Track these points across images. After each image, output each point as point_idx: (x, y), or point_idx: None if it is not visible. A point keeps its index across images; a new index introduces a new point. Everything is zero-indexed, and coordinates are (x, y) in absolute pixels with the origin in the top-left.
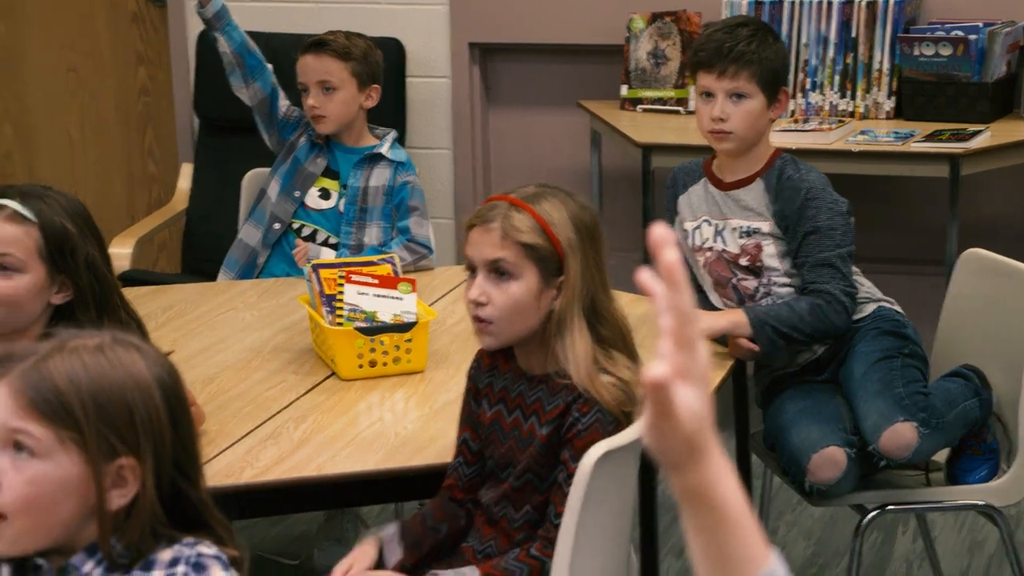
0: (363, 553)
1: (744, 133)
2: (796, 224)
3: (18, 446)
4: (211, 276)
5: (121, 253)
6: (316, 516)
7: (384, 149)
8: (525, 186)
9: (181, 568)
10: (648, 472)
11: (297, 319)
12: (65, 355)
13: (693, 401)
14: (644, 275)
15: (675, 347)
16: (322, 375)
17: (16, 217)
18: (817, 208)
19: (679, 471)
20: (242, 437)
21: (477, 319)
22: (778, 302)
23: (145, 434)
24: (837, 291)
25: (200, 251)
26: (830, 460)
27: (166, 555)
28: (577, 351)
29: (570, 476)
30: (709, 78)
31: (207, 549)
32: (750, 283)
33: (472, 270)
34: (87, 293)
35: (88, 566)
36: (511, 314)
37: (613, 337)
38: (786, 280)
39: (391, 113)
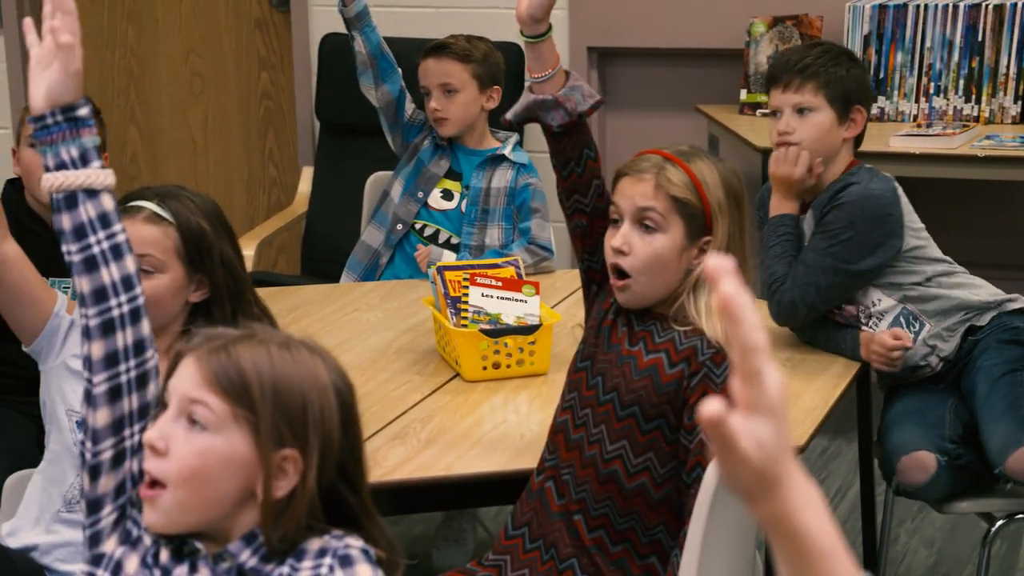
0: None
1: (811, 146)
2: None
3: (192, 418)
4: (330, 278)
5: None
6: (434, 517)
7: (507, 151)
8: (677, 145)
9: (328, 560)
10: None
11: (420, 320)
12: (253, 343)
13: (762, 434)
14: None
15: (740, 381)
16: (446, 376)
17: (154, 218)
18: (843, 211)
19: (754, 502)
20: (369, 436)
21: (616, 270)
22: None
23: (315, 431)
24: (789, 294)
25: (319, 253)
26: (919, 464)
27: (315, 545)
28: (714, 308)
29: None
30: (776, 93)
31: (355, 542)
32: (850, 308)
33: (616, 221)
34: (223, 290)
35: (245, 554)
36: (651, 267)
37: None
38: (882, 296)
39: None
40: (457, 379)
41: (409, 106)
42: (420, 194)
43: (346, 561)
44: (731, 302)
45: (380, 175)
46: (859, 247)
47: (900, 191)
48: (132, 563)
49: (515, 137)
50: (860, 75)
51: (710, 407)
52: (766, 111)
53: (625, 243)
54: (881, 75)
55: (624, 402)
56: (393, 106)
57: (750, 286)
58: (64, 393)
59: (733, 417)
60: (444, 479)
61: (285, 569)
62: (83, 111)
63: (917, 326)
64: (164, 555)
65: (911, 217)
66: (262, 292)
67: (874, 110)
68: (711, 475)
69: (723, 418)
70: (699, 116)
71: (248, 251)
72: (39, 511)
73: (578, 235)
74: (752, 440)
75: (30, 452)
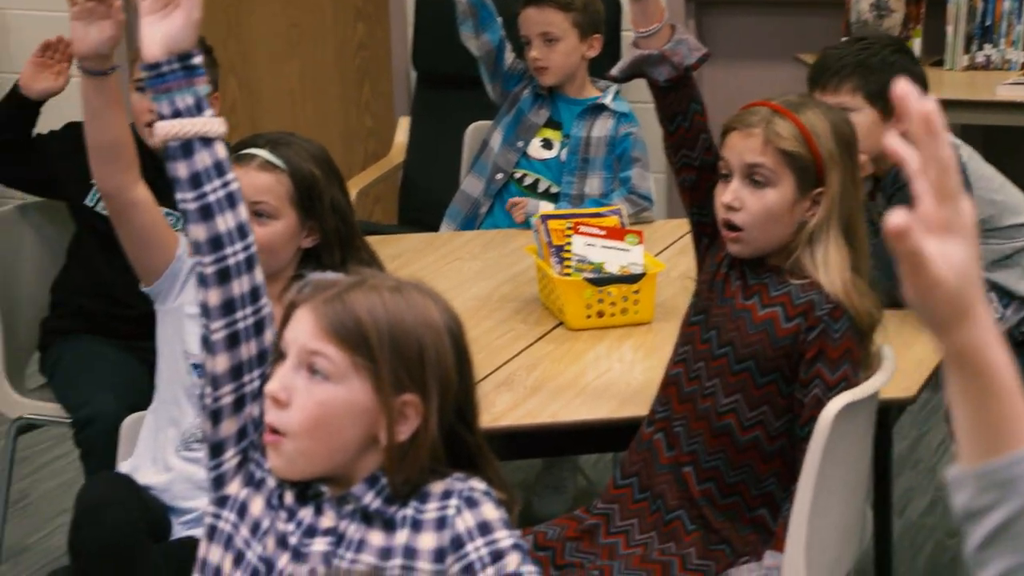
0: None
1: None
2: None
3: (312, 369)
4: (427, 228)
5: None
6: (534, 465)
7: (607, 100)
8: (786, 95)
9: (454, 501)
10: (883, 427)
11: (521, 269)
12: (366, 290)
13: (956, 255)
14: (892, 140)
15: (936, 200)
16: (549, 325)
17: (267, 166)
18: (907, 192)
19: (944, 331)
20: (476, 382)
21: (727, 224)
22: None
23: (432, 374)
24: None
25: (416, 203)
26: None
27: (438, 488)
28: (831, 261)
29: (829, 388)
30: (816, 95)
31: (478, 485)
32: None
33: (726, 175)
34: (333, 236)
35: (368, 497)
36: (763, 222)
37: (858, 264)
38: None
39: (607, 67)
40: (560, 328)
41: (509, 55)
42: (520, 143)
43: (472, 502)
44: (931, 116)
45: (480, 124)
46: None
47: (966, 156)
48: (257, 505)
49: (615, 86)
50: (903, 68)
51: (897, 216)
52: None
53: (736, 199)
54: (988, 22)
55: (739, 356)
56: (493, 55)
57: (863, 241)
58: (181, 335)
59: (927, 240)
60: (551, 426)
61: (409, 511)
62: (198, 59)
63: (1006, 300)
64: (288, 497)
65: (984, 183)
66: None
67: (979, 58)
68: (824, 428)
69: (910, 230)
70: (798, 66)
71: None
72: (155, 450)
73: (686, 189)
74: (947, 263)
75: (138, 389)
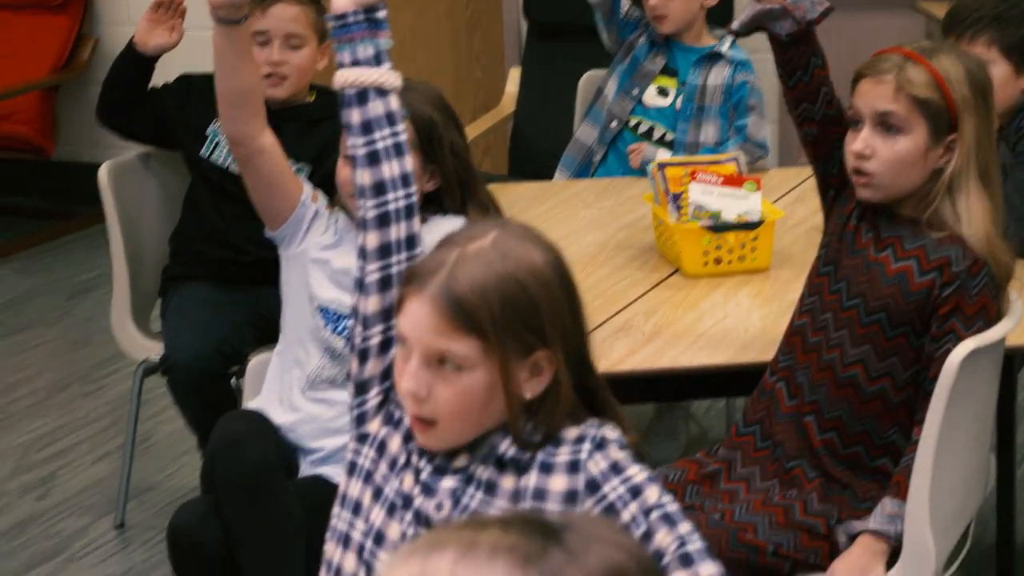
0: None
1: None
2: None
3: (442, 360)
4: (536, 179)
5: None
6: (646, 411)
7: (724, 48)
8: (918, 41)
9: (586, 445)
10: (1007, 375)
11: (637, 217)
12: (471, 263)
13: None
14: None
15: None
16: (666, 272)
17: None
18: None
19: None
20: (594, 329)
21: (857, 171)
22: None
23: (552, 326)
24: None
25: (527, 154)
26: None
27: (572, 433)
28: (973, 211)
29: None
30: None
31: (610, 432)
32: None
33: (856, 122)
34: (453, 179)
35: (503, 445)
36: (895, 169)
37: (995, 214)
38: None
39: (722, 15)
40: (677, 275)
41: (625, 2)
42: (635, 91)
43: (601, 445)
44: None
45: (593, 73)
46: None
47: None
48: (395, 443)
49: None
50: None
51: None
52: None
53: (867, 147)
54: None
55: (870, 308)
56: (609, 3)
57: (998, 188)
58: (305, 279)
59: None
60: (669, 372)
61: (540, 455)
62: (382, 13)
63: None
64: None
65: None
66: None
67: None
68: (949, 374)
69: None
70: (915, 15)
71: None
72: (281, 392)
73: (809, 143)
74: None
75: (235, 334)
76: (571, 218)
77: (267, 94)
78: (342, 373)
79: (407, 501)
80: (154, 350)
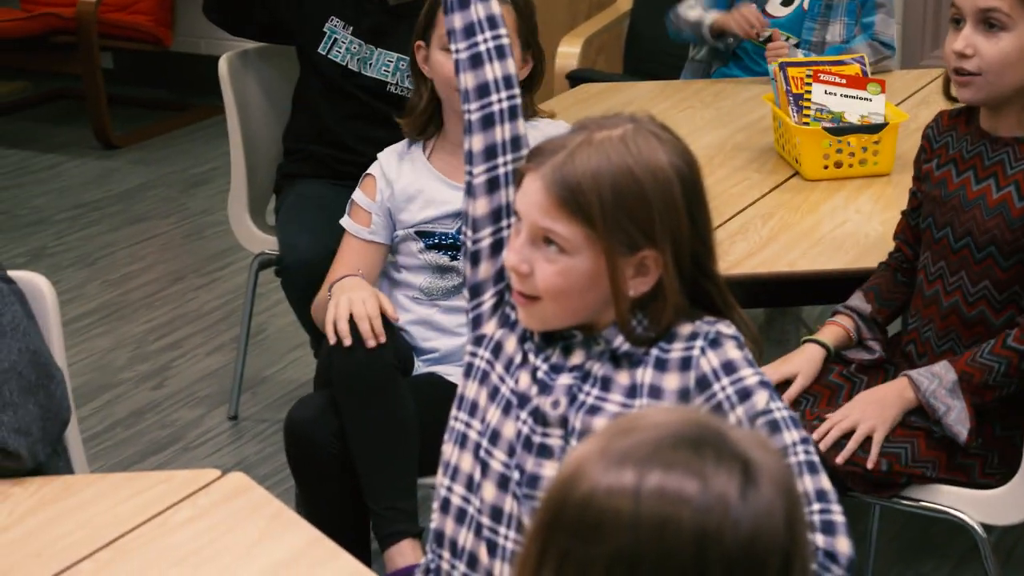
0: (810, 359)
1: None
2: None
3: (548, 240)
4: (653, 78)
5: (568, 52)
6: (755, 316)
7: None
8: None
9: (699, 342)
10: None
11: (755, 119)
12: (593, 150)
13: None
14: None
15: None
16: (785, 174)
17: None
18: None
19: None
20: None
21: (959, 71)
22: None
23: (663, 228)
24: None
25: (642, 53)
26: None
27: (686, 329)
28: None
29: None
30: None
31: (726, 328)
32: None
33: (957, 20)
34: (539, 69)
35: (618, 340)
36: (999, 67)
37: None
38: None
39: None
40: (796, 177)
41: None
42: (754, 3)
43: (716, 343)
44: None
45: None
46: None
47: None
48: (511, 343)
49: None
50: None
51: None
52: None
53: (968, 46)
54: None
55: (979, 244)
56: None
57: None
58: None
59: None
60: (787, 275)
61: (655, 351)
62: None
63: None
64: (538, 336)
65: None
66: (594, 87)
67: None
68: None
69: None
70: None
71: (575, 48)
72: (392, 294)
73: None
74: None
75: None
76: (689, 118)
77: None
78: (449, 285)
79: (523, 400)
80: (269, 243)
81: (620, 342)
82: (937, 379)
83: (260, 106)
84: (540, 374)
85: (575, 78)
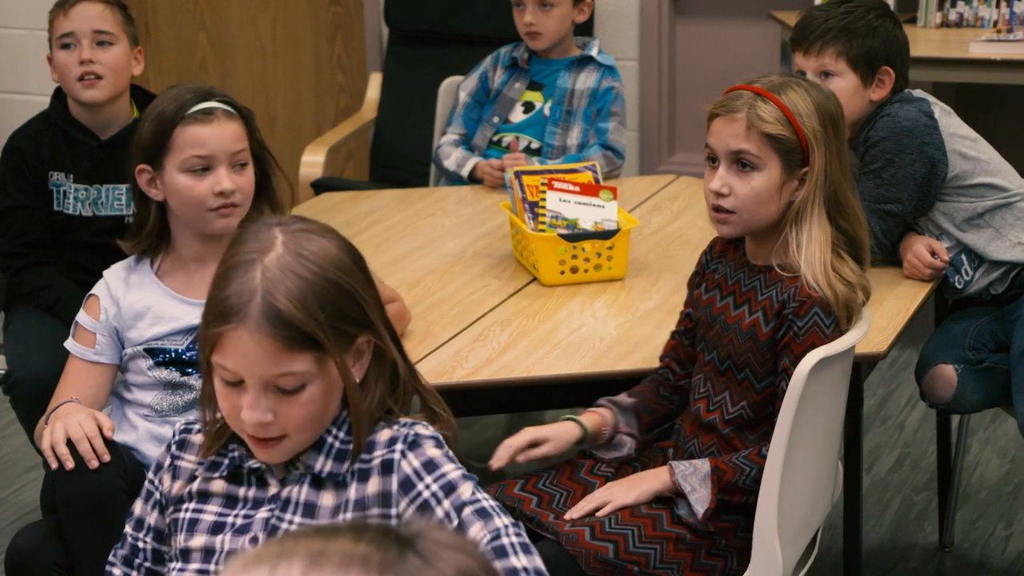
0: (565, 430)
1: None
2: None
3: (280, 383)
4: (399, 185)
5: (313, 161)
6: (500, 421)
7: (593, 52)
8: (768, 75)
9: (399, 446)
10: (854, 383)
11: (495, 226)
12: (277, 279)
13: None
14: None
15: None
16: (523, 280)
17: (231, 115)
18: (877, 149)
19: None
20: (450, 338)
21: (716, 208)
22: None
23: (370, 308)
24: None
25: (389, 160)
26: (941, 379)
27: (384, 435)
28: (812, 241)
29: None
30: (798, 56)
31: (423, 430)
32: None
33: (712, 160)
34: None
35: (319, 462)
36: (752, 205)
37: (852, 230)
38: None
39: (580, 23)
40: (535, 283)
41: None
42: (496, 119)
43: (415, 444)
44: None
45: (453, 80)
46: (902, 182)
47: (938, 113)
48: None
49: (597, 40)
50: (887, 33)
51: None
52: None
53: (724, 185)
54: None
55: (739, 365)
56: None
57: (856, 210)
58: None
59: None
60: (525, 381)
61: (356, 464)
62: None
63: (976, 263)
64: (219, 484)
65: (956, 141)
66: (338, 195)
67: (952, 15)
68: (798, 382)
69: None
70: (772, 23)
71: (319, 156)
72: (120, 415)
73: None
74: None
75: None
76: (430, 226)
77: (84, 97)
78: (181, 401)
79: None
80: None
81: (321, 463)
82: (693, 467)
83: None
84: (234, 519)
85: (320, 186)
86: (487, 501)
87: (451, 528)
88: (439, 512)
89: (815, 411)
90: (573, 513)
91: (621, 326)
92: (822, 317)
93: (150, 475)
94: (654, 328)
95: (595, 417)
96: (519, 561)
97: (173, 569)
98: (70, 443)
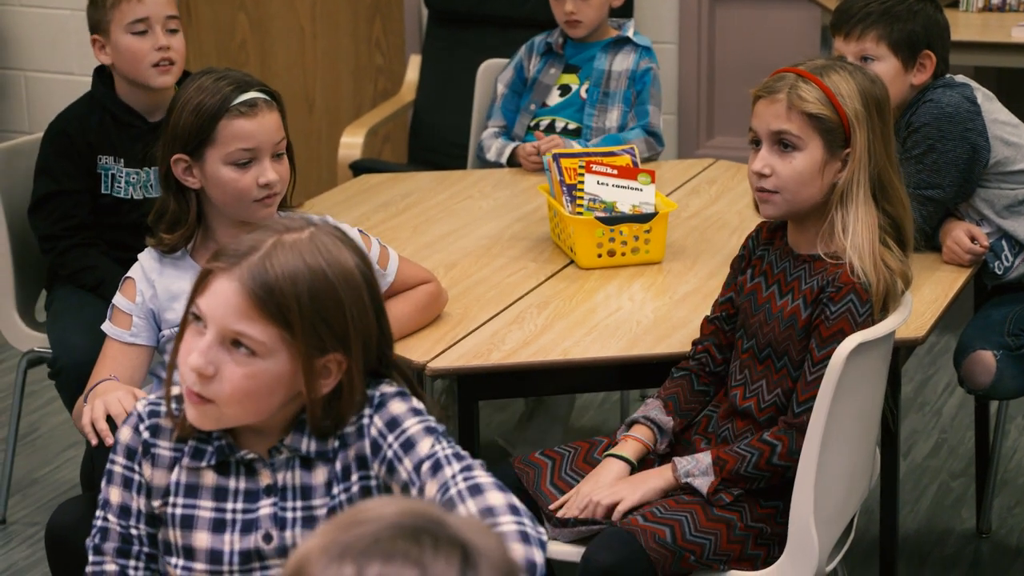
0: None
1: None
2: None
3: (237, 343)
4: (436, 167)
5: (352, 142)
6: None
7: (629, 32)
8: (814, 59)
9: (367, 410)
10: (893, 368)
11: (532, 208)
12: (286, 252)
13: None
14: None
15: None
16: (560, 263)
17: (271, 104)
18: (919, 134)
19: None
20: (487, 320)
21: (760, 190)
22: None
23: (356, 332)
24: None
25: (427, 143)
26: (981, 365)
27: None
28: (859, 223)
29: (814, 364)
30: (838, 41)
31: (388, 387)
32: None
33: (756, 142)
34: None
35: (303, 443)
36: (794, 185)
37: (897, 215)
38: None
39: (619, 7)
40: (571, 266)
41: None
42: (533, 106)
43: (381, 405)
44: None
45: (493, 62)
46: (943, 168)
47: (981, 99)
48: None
49: (632, 21)
50: (928, 17)
51: None
52: None
53: (766, 166)
54: None
55: (777, 354)
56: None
57: (901, 195)
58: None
59: None
60: (561, 363)
61: (337, 443)
62: None
63: (1017, 249)
64: (210, 477)
65: (998, 127)
66: (377, 177)
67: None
68: (836, 366)
69: None
70: (812, 7)
71: (358, 138)
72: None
73: None
74: None
75: None
76: (467, 209)
77: (158, 83)
78: None
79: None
80: (38, 341)
81: (306, 444)
82: (695, 461)
83: (29, 200)
84: (234, 516)
85: (358, 168)
86: (444, 451)
87: (413, 489)
88: (402, 473)
89: (853, 396)
90: (570, 511)
91: (658, 309)
92: (857, 305)
93: (121, 459)
94: (691, 311)
95: (636, 446)
96: (469, 506)
97: (176, 566)
98: (110, 419)
